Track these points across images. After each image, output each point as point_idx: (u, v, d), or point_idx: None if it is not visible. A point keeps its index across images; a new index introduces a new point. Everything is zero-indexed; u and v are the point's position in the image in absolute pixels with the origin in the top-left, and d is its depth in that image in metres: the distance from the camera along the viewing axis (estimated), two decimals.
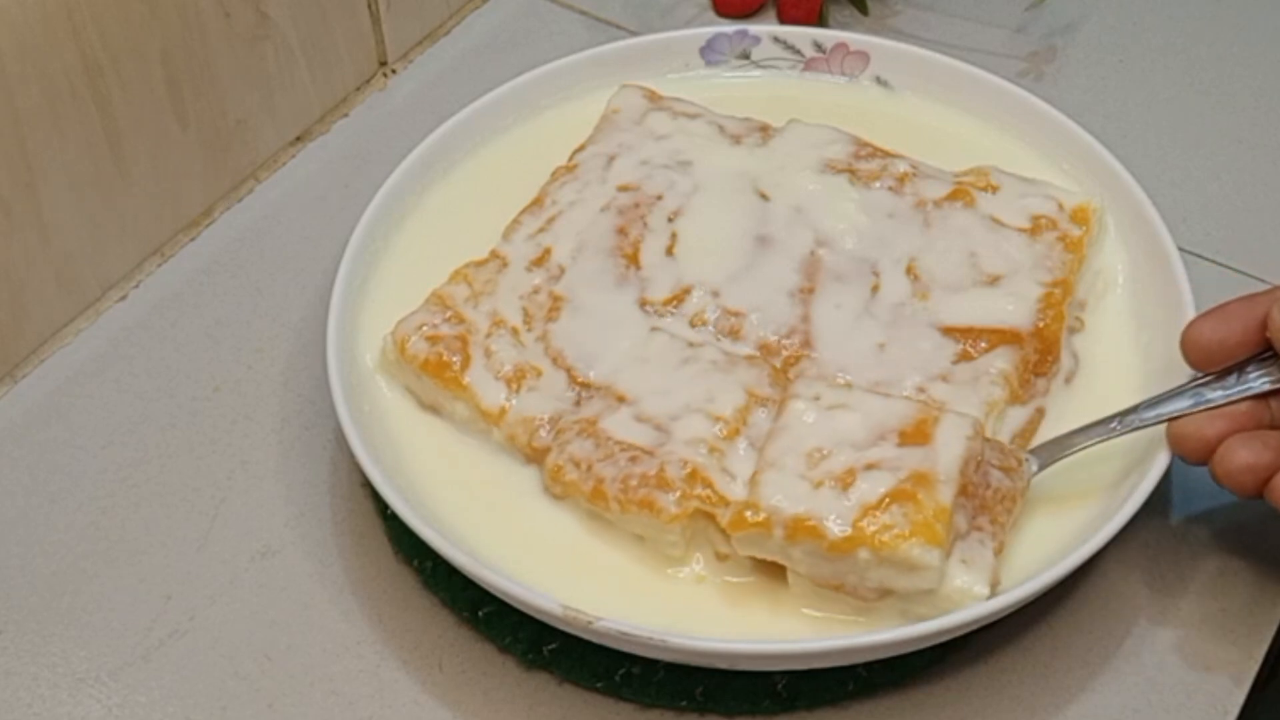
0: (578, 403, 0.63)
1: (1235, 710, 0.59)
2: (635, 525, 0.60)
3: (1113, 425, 0.60)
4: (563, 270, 0.67)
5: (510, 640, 0.60)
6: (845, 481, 0.57)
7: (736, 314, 0.65)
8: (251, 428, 0.68)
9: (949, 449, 0.57)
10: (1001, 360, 0.63)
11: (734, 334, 0.64)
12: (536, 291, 0.66)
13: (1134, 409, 0.60)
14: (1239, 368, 0.59)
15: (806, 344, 0.64)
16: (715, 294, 0.66)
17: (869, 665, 0.59)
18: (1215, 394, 0.59)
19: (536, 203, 0.70)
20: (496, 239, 0.69)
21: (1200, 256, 0.73)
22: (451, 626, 0.61)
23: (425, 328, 0.65)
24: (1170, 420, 0.59)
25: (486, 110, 0.74)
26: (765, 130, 0.72)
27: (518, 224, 0.69)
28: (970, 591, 0.56)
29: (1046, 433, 0.63)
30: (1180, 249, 0.67)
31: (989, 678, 0.60)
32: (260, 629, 0.62)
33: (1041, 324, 0.64)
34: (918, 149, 0.71)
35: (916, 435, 0.58)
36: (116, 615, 0.62)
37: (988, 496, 0.58)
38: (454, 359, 0.64)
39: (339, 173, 0.78)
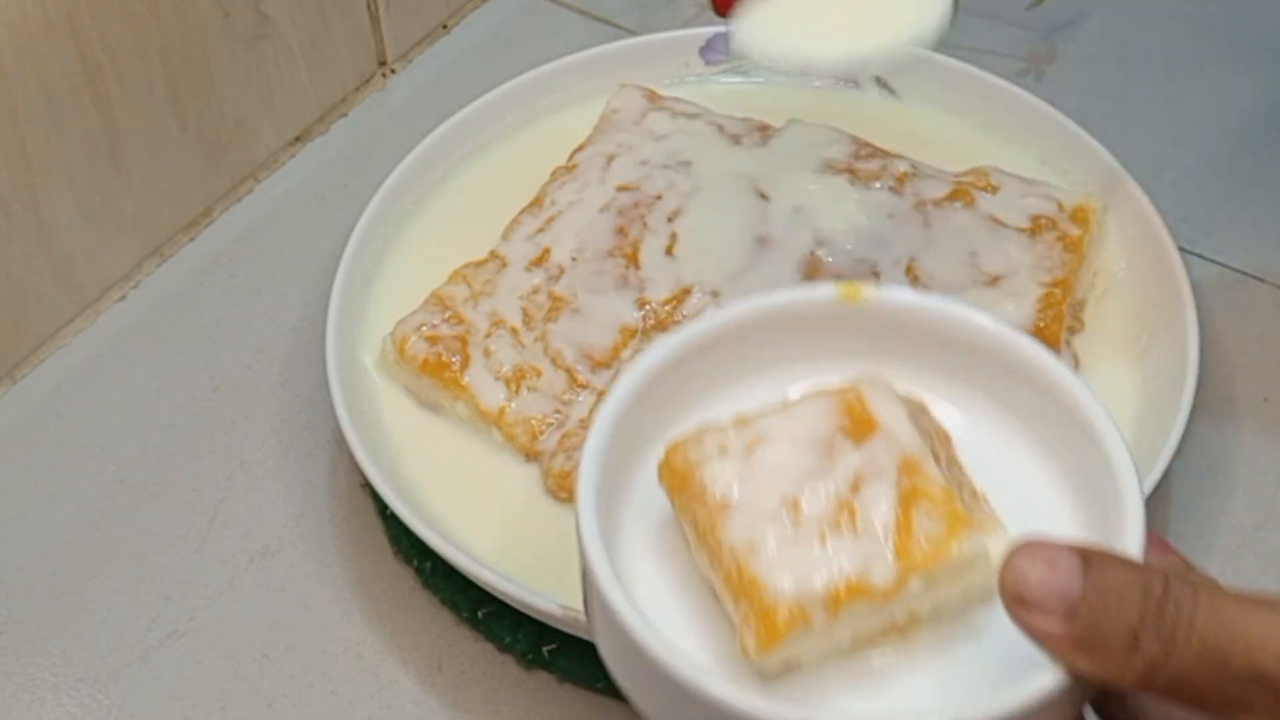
0: (579, 404, 0.63)
1: None
2: None
3: None
4: (562, 270, 0.67)
5: (510, 640, 0.60)
6: (842, 518, 0.44)
7: None
8: (251, 428, 0.68)
9: (898, 421, 0.46)
10: None
11: None
12: (536, 292, 0.66)
13: None
14: None
15: None
16: (715, 294, 0.66)
17: None
18: None
19: (536, 203, 0.70)
20: (496, 239, 0.69)
21: (1200, 256, 0.73)
22: (451, 626, 0.61)
23: (424, 328, 0.65)
24: None
25: (486, 110, 0.74)
26: (765, 130, 0.72)
27: (517, 224, 0.69)
28: (998, 550, 0.42)
29: None
30: (1180, 249, 0.67)
31: None
32: (259, 629, 0.62)
33: (1041, 324, 0.64)
34: (917, 149, 0.71)
35: (861, 425, 0.45)
36: (116, 615, 0.62)
37: (935, 442, 0.47)
38: (453, 359, 0.64)
39: (338, 173, 0.78)
